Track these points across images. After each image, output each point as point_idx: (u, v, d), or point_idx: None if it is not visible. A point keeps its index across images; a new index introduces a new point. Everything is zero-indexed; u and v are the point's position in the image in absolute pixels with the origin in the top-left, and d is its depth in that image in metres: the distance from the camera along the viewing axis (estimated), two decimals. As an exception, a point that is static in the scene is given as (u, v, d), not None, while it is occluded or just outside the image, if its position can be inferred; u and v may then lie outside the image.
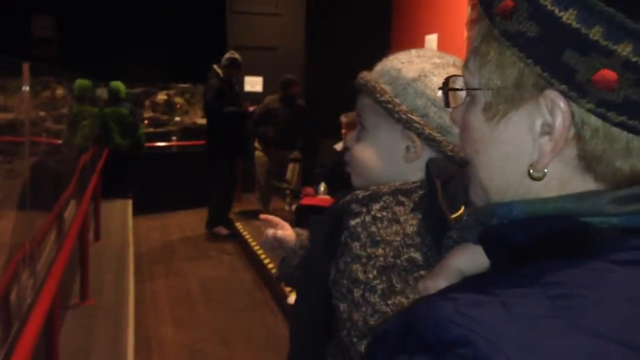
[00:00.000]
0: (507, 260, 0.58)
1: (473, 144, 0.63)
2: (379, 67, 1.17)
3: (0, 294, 2.76)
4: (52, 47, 10.56)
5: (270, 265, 5.18)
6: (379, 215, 1.09)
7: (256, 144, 7.21)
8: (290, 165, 7.21)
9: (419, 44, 6.15)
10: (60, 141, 5.85)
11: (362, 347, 1.03)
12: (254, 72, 8.33)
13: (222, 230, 6.95)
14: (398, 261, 1.04)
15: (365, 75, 1.16)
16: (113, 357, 3.61)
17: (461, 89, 0.65)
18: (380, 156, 1.14)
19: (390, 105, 1.09)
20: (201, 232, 7.09)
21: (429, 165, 1.06)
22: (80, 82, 7.41)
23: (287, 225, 1.40)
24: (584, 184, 0.56)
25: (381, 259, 1.05)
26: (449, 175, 1.04)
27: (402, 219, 1.07)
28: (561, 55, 0.51)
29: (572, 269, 0.49)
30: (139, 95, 9.56)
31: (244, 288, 5.43)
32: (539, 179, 0.56)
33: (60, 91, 6.23)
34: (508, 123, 0.58)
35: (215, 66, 6.55)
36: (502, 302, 0.47)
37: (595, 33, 0.50)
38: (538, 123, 0.55)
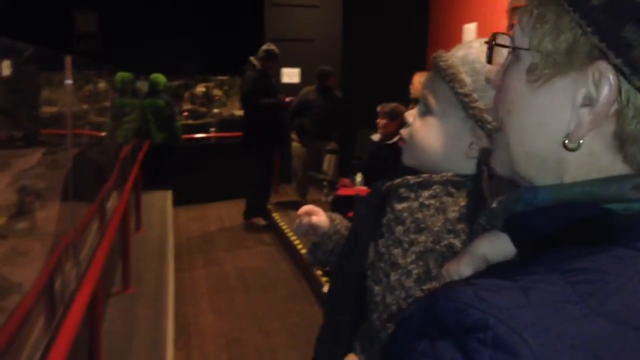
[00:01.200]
0: (532, 247, 0.57)
1: (508, 105, 0.62)
2: (461, 52, 1.11)
3: (45, 282, 2.85)
4: (95, 41, 10.79)
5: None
6: (426, 202, 1.08)
7: (293, 136, 7.23)
8: (327, 157, 7.22)
9: (457, 33, 6.07)
10: (103, 133, 5.98)
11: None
12: (291, 64, 8.35)
13: (260, 221, 7.02)
14: (437, 247, 1.03)
15: (446, 58, 1.11)
16: (153, 344, 3.69)
17: (508, 47, 0.63)
18: (442, 144, 1.10)
19: (467, 100, 1.06)
20: (239, 223, 7.17)
21: (482, 153, 1.04)
22: (121, 75, 7.54)
23: (320, 211, 1.39)
24: (612, 164, 0.55)
25: (422, 244, 1.05)
26: None
27: (448, 209, 1.06)
28: (622, 29, 0.50)
29: (594, 256, 0.49)
30: (178, 87, 9.69)
31: (282, 278, 5.48)
32: (573, 150, 0.56)
33: (102, 84, 6.36)
34: (551, 88, 0.57)
35: (252, 58, 6.58)
36: (522, 287, 0.47)
37: None
38: (581, 93, 0.54)
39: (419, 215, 1.07)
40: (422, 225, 1.06)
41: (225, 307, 4.82)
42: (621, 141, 0.54)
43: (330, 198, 5.87)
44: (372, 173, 4.63)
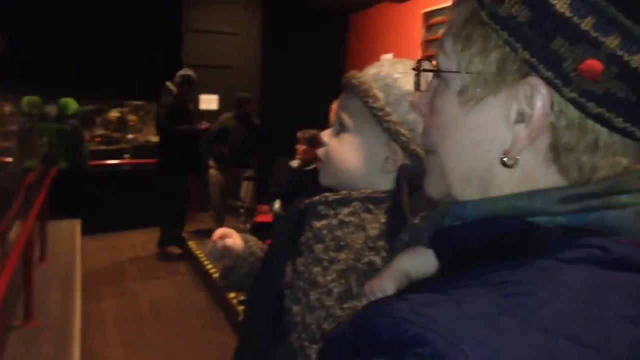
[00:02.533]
0: (458, 262, 0.57)
1: (441, 129, 0.61)
2: (372, 70, 1.13)
3: None
4: (3, 63, 10.30)
5: (224, 285, 5.09)
6: (346, 220, 1.07)
7: (211, 163, 7.14)
8: (245, 184, 7.16)
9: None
10: (8, 159, 5.66)
11: (312, 352, 1.01)
12: (209, 91, 8.27)
13: (175, 250, 6.83)
14: (359, 265, 1.01)
15: (358, 76, 1.12)
16: (56, 381, 3.46)
17: (437, 71, 0.63)
18: (358, 160, 1.11)
19: (380, 114, 1.06)
20: (153, 252, 6.94)
21: (401, 170, 1.05)
22: (29, 99, 7.21)
23: (235, 233, 1.34)
24: (546, 176, 0.56)
25: (342, 262, 1.03)
26: (419, 184, 1.01)
27: (368, 226, 1.05)
28: (551, 43, 0.51)
29: (521, 268, 0.49)
30: (91, 112, 9.37)
31: (197, 308, 5.32)
32: (511, 167, 0.56)
33: (8, 108, 6.05)
34: (484, 108, 0.57)
35: (169, 84, 6.47)
36: (457, 300, 0.46)
37: (587, 24, 0.50)
38: (514, 110, 0.55)
39: (339, 233, 1.06)
40: (342, 243, 1.05)
41: (136, 339, 4.61)
42: (556, 153, 0.55)
43: (248, 226, 5.81)
44: (291, 200, 4.61)
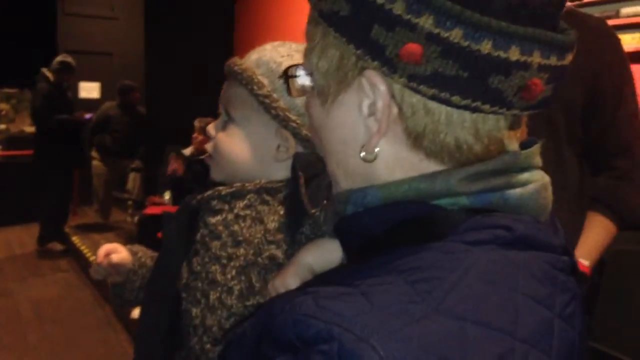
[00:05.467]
0: (363, 250, 0.56)
1: (315, 132, 0.62)
2: (254, 55, 1.07)
3: None
4: None
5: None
6: (242, 213, 1.02)
7: (93, 154, 6.82)
8: (132, 175, 6.91)
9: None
10: None
11: (214, 355, 0.97)
12: (90, 78, 7.89)
13: (57, 246, 6.46)
14: (259, 259, 0.98)
15: (239, 62, 1.06)
16: None
17: (296, 76, 0.64)
18: (248, 151, 1.06)
19: (267, 101, 1.02)
20: (32, 249, 6.52)
21: (295, 159, 1.01)
22: None
23: (120, 247, 1.25)
24: (420, 161, 0.55)
25: (242, 258, 0.99)
26: (316, 172, 0.98)
27: (266, 218, 1.01)
28: (370, 32, 0.51)
29: (426, 253, 0.49)
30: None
31: (82, 306, 5.07)
32: (370, 161, 0.56)
33: None
34: (340, 106, 0.57)
35: (44, 70, 6.08)
36: (363, 292, 0.45)
37: (399, 7, 0.49)
38: (365, 104, 0.55)
39: (236, 227, 1.01)
40: (240, 238, 1.00)
41: (17, 342, 4.33)
42: (413, 139, 0.54)
43: (136, 218, 5.60)
44: (183, 189, 4.49)
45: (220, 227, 1.03)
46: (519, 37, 0.49)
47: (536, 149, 0.58)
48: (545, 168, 1.67)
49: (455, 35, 0.48)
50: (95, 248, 6.05)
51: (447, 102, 0.51)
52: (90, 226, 6.76)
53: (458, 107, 0.51)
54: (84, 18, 8.01)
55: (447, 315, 0.44)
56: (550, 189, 0.58)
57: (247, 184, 1.04)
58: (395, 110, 0.53)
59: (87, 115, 6.51)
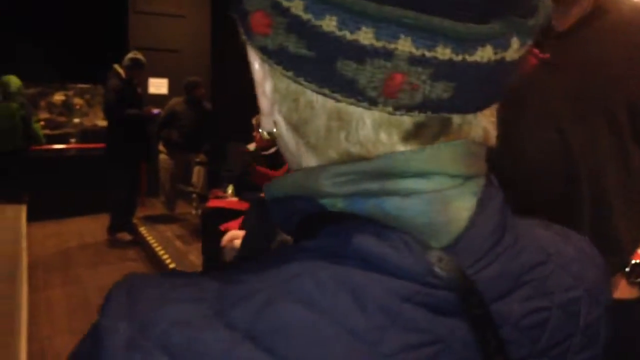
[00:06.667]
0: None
1: None
2: None
3: None
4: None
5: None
6: None
7: (161, 147, 7.02)
8: (196, 169, 7.08)
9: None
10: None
11: None
12: (158, 74, 8.12)
13: (125, 236, 6.71)
14: None
15: None
16: (3, 372, 3.38)
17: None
18: None
19: None
20: (102, 239, 6.79)
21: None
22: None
23: (242, 233, 1.29)
24: (307, 154, 0.49)
25: None
26: None
27: None
28: (238, 5, 0.47)
29: (264, 262, 0.44)
30: (33, 95, 9.04)
31: (148, 295, 5.25)
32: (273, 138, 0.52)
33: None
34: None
35: (116, 66, 6.30)
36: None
37: None
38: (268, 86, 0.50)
39: None
40: None
41: (85, 327, 4.48)
42: (289, 124, 0.49)
43: (200, 211, 5.74)
44: (245, 183, 4.56)
45: None
46: (372, 18, 0.39)
47: (436, 151, 0.45)
48: (604, 169, 1.61)
49: (297, 6, 0.41)
50: (161, 239, 6.28)
51: (294, 80, 0.44)
52: (156, 217, 6.97)
53: (315, 92, 0.44)
54: (153, 16, 8.25)
55: (226, 328, 0.39)
56: (475, 205, 0.46)
57: None
58: (268, 87, 0.49)
59: (156, 111, 6.71)
